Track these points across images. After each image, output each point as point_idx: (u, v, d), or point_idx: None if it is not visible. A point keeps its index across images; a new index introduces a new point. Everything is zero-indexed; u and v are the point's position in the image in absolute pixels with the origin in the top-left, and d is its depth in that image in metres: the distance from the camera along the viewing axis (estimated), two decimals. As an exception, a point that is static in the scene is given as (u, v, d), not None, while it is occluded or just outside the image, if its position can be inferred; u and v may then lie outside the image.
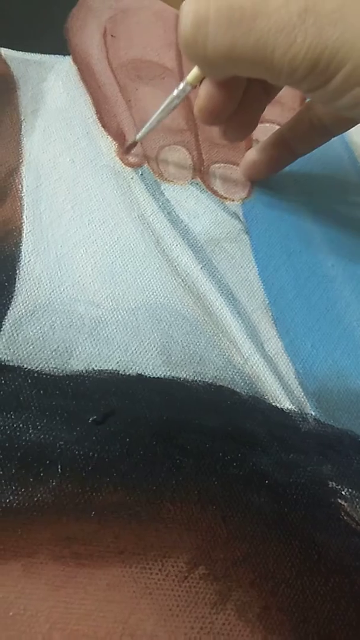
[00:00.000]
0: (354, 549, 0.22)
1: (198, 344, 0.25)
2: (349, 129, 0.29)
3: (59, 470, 0.21)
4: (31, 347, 0.23)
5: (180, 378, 0.24)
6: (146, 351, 0.24)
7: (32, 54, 0.32)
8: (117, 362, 0.24)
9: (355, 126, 0.29)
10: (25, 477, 0.20)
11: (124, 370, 0.24)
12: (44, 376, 0.22)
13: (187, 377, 0.24)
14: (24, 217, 0.26)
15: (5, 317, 0.23)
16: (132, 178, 0.30)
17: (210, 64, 0.22)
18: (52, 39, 0.33)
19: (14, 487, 0.20)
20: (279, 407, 0.25)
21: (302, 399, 0.25)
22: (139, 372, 0.24)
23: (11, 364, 0.22)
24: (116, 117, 0.31)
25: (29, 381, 0.22)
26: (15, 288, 0.24)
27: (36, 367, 0.23)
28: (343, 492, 0.23)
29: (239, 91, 0.25)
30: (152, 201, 0.29)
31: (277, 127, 0.32)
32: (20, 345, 0.23)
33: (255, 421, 0.24)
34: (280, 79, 0.21)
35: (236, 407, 0.24)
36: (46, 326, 0.24)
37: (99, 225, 0.27)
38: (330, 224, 0.32)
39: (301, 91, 0.22)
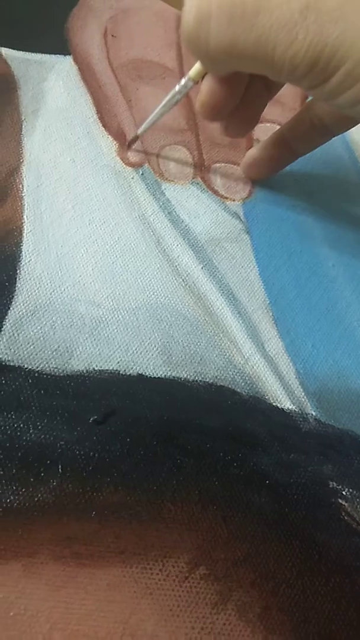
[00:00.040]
0: (354, 549, 0.22)
1: (199, 344, 0.25)
2: (350, 128, 0.29)
3: (60, 470, 0.21)
4: (32, 347, 0.23)
5: (180, 378, 0.24)
6: (147, 351, 0.24)
7: (32, 54, 0.32)
8: (118, 362, 0.24)
9: (356, 126, 0.29)
10: (26, 477, 0.20)
11: (125, 370, 0.24)
12: (45, 376, 0.22)
13: (188, 377, 0.24)
14: (24, 216, 0.26)
15: (6, 317, 0.23)
16: (132, 178, 0.30)
17: (212, 60, 0.22)
18: (52, 38, 0.33)
19: (14, 487, 0.20)
20: (280, 407, 0.25)
21: (303, 399, 0.25)
22: (139, 372, 0.24)
23: (12, 363, 0.22)
24: (117, 116, 0.31)
25: (30, 381, 0.22)
26: (16, 288, 0.24)
27: (37, 367, 0.23)
28: (344, 492, 0.23)
29: (241, 87, 0.24)
30: (152, 201, 0.29)
31: (278, 126, 0.32)
32: (21, 345, 0.23)
33: (256, 421, 0.24)
34: (281, 76, 0.21)
35: (237, 407, 0.24)
36: (47, 326, 0.24)
37: (99, 225, 0.27)
38: (331, 224, 0.32)
39: (302, 88, 0.22)
